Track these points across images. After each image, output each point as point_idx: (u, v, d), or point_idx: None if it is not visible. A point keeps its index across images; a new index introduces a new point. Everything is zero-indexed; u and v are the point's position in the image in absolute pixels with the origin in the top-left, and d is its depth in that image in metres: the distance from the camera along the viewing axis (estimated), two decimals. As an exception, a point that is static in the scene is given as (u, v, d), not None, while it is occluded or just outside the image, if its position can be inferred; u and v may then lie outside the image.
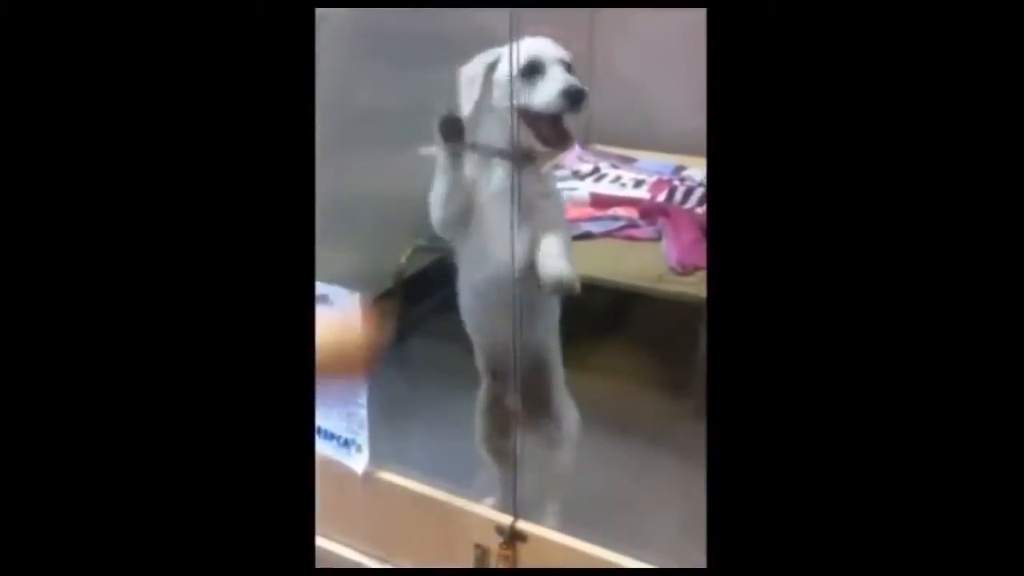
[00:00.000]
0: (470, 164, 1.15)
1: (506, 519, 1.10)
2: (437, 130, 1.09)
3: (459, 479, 1.36)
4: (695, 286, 1.74)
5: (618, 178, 2.22)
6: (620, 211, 2.02)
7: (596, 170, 2.26)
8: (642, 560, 1.02)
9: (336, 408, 1.19)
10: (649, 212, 2.00)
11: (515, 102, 1.08)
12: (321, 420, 1.21)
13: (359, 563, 1.24)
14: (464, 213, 1.15)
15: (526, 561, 1.09)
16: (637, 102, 2.36)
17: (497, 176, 1.14)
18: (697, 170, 2.20)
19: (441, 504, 1.16)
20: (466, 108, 1.11)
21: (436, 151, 1.13)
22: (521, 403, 1.27)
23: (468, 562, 1.14)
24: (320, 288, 1.13)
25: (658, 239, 1.91)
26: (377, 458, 1.20)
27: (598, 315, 1.98)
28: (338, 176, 1.64)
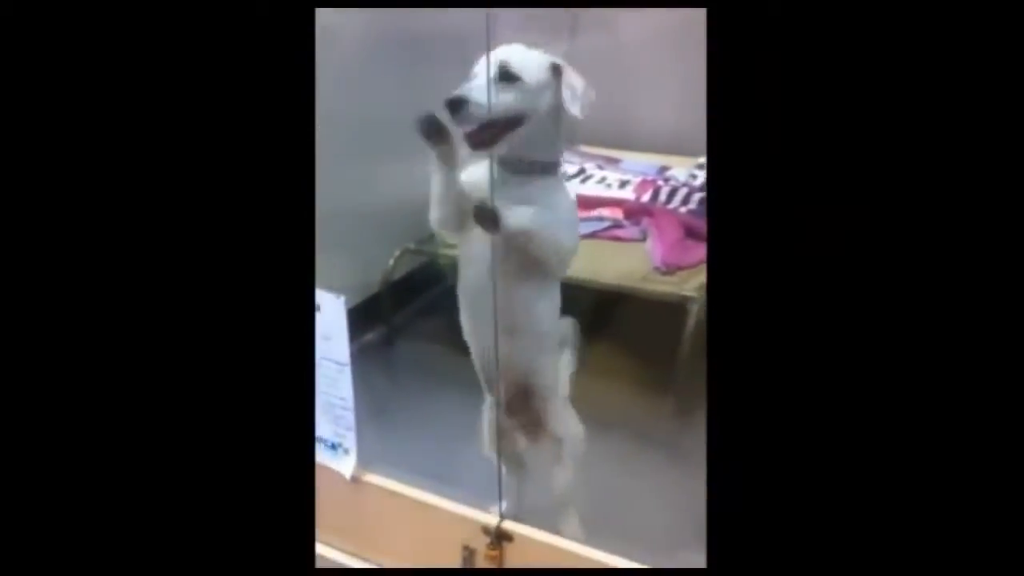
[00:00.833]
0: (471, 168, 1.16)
1: (492, 520, 1.11)
2: (416, 130, 1.07)
3: (446, 481, 1.37)
4: (678, 285, 1.76)
5: (603, 179, 2.23)
6: (605, 212, 2.03)
7: (582, 171, 2.27)
8: (628, 557, 1.03)
9: (323, 411, 1.19)
10: (634, 212, 2.01)
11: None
12: (308, 424, 1.22)
13: (346, 565, 1.25)
14: (458, 214, 1.15)
15: (513, 562, 1.10)
16: (621, 103, 2.37)
17: (484, 181, 1.13)
18: (681, 170, 2.22)
19: (428, 506, 1.17)
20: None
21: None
22: (514, 416, 1.28)
23: (456, 563, 1.14)
24: (306, 293, 1.14)
25: (643, 239, 1.92)
26: (364, 460, 1.21)
27: (584, 315, 1.99)
28: (326, 182, 1.64)
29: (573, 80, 1.11)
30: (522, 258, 1.12)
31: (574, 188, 2.15)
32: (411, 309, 1.87)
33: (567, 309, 1.89)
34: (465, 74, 1.11)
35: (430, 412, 1.44)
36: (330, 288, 1.14)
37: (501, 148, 1.10)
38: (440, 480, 1.23)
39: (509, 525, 1.09)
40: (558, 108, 1.12)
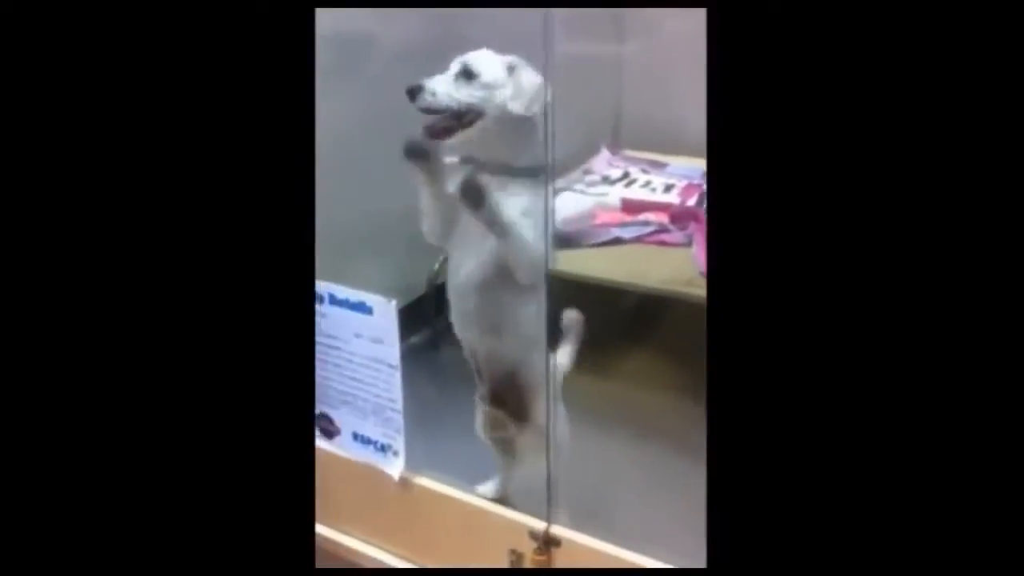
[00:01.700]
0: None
1: (540, 524, 1.11)
2: (403, 153, 1.18)
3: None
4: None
5: (648, 183, 2.22)
6: (651, 216, 2.02)
7: (626, 175, 2.27)
8: (673, 563, 1.03)
9: (374, 413, 1.21)
10: (679, 217, 2.00)
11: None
12: (357, 425, 1.24)
13: (392, 566, 1.26)
14: (446, 223, 1.23)
15: (561, 566, 1.11)
16: (667, 106, 2.36)
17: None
18: (727, 174, 2.20)
19: (476, 509, 1.18)
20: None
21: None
22: (500, 407, 1.32)
23: (503, 566, 1.15)
24: (360, 297, 1.16)
25: (689, 244, 1.91)
26: (413, 463, 1.22)
27: (628, 320, 1.99)
28: (371, 186, 1.66)
29: (524, 79, 1.17)
30: (502, 264, 1.17)
31: (618, 192, 2.16)
32: (456, 312, 1.87)
33: (610, 313, 1.89)
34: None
35: (474, 415, 1.44)
36: (377, 290, 1.16)
37: (467, 142, 1.18)
38: (484, 483, 1.24)
39: (557, 530, 1.10)
40: (505, 113, 1.17)
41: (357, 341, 1.18)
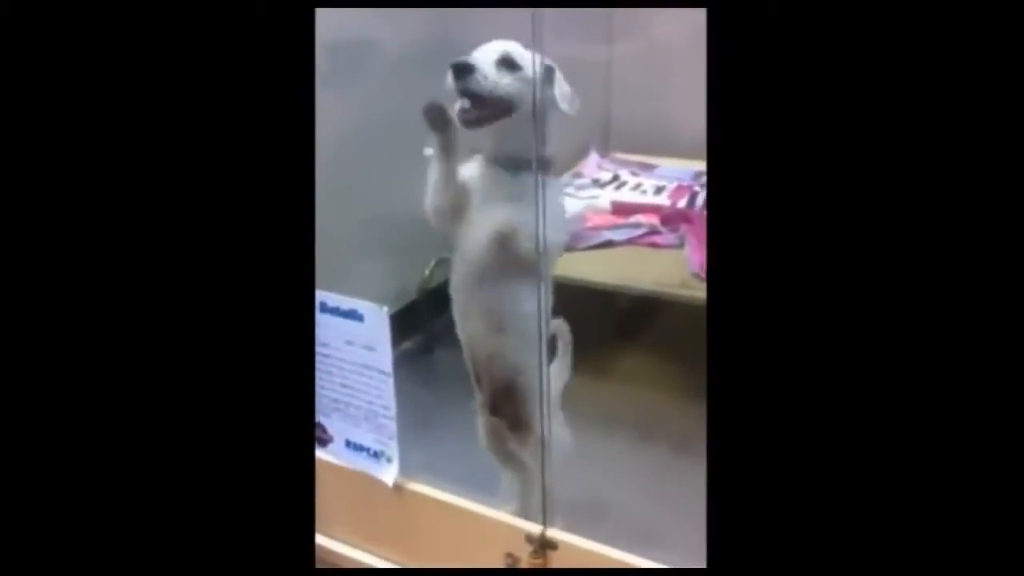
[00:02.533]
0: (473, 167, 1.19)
1: (536, 528, 1.11)
2: (423, 118, 1.12)
3: (489, 489, 1.37)
4: (718, 292, 1.75)
5: (638, 185, 2.23)
6: (641, 218, 2.03)
7: (616, 178, 2.27)
8: (674, 564, 1.03)
9: (367, 420, 1.20)
10: (670, 218, 2.00)
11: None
12: (350, 433, 1.23)
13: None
14: (454, 207, 1.18)
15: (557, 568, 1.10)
16: (656, 108, 2.37)
17: (477, 179, 1.18)
18: (717, 175, 2.21)
19: (471, 514, 1.17)
20: None
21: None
22: (499, 415, 1.30)
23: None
24: (352, 304, 1.15)
25: (680, 246, 1.92)
26: (407, 469, 1.21)
27: (621, 322, 1.99)
28: (363, 195, 1.66)
29: (563, 83, 1.17)
30: (508, 256, 1.15)
31: (608, 195, 2.16)
32: (447, 318, 1.88)
33: (603, 316, 1.89)
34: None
35: (469, 420, 1.44)
36: (368, 296, 1.16)
37: (487, 137, 1.15)
38: (483, 488, 1.23)
39: (553, 533, 1.09)
40: (545, 109, 1.16)
41: (349, 348, 1.18)
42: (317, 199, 0.99)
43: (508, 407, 1.29)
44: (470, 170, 1.20)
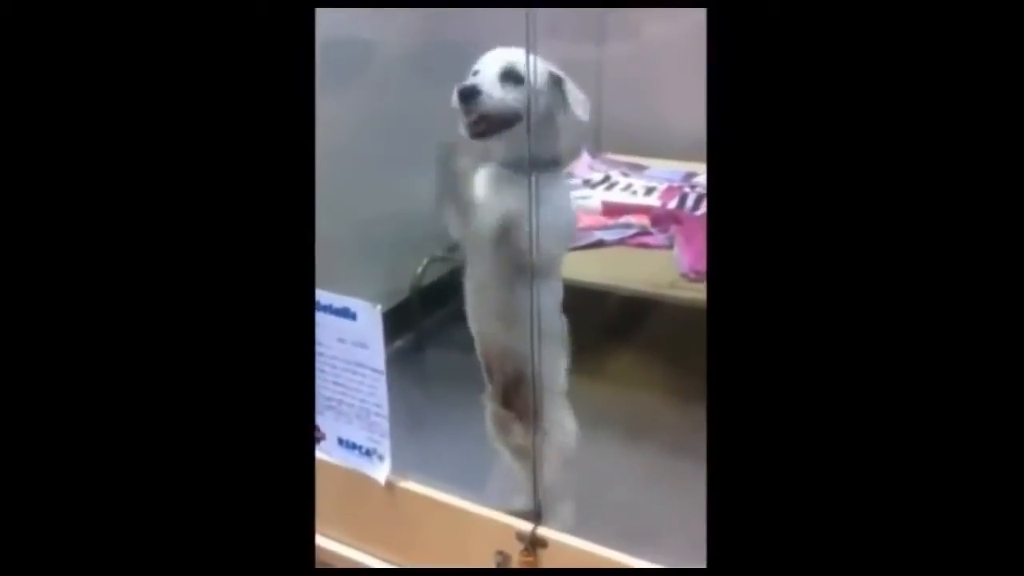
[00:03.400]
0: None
1: (527, 526, 1.12)
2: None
3: (480, 487, 1.38)
4: (706, 292, 1.76)
5: (629, 186, 2.24)
6: (632, 219, 2.03)
7: (607, 178, 2.28)
8: (665, 564, 1.04)
9: (359, 418, 1.21)
10: (660, 219, 2.01)
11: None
12: (342, 430, 1.24)
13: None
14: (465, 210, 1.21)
15: (548, 567, 1.11)
16: (647, 109, 2.38)
17: (486, 182, 1.22)
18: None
19: (462, 511, 1.18)
20: None
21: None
22: (510, 407, 1.32)
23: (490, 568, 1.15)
24: (344, 302, 1.16)
25: (670, 246, 1.92)
26: (398, 467, 1.22)
27: (610, 322, 2.00)
28: (355, 193, 1.66)
29: (574, 89, 1.21)
30: (514, 251, 1.17)
31: (599, 195, 2.17)
32: (440, 316, 1.88)
33: (594, 315, 1.90)
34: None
35: (460, 418, 1.45)
36: (361, 295, 1.16)
37: (497, 144, 1.19)
38: (474, 486, 1.24)
39: (544, 531, 1.10)
40: (551, 114, 1.20)
41: (341, 346, 1.18)
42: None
43: (518, 399, 1.30)
44: (482, 175, 1.23)
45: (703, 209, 2.07)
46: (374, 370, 1.16)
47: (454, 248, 1.93)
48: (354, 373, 1.19)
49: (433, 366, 1.86)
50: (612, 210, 2.07)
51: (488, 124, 1.15)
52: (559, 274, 1.30)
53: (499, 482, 1.39)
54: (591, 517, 1.35)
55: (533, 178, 1.17)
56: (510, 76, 1.15)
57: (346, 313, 1.16)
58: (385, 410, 1.18)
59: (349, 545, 1.29)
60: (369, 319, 1.15)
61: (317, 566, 1.27)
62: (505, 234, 1.18)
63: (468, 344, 1.32)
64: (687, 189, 2.17)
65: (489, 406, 1.35)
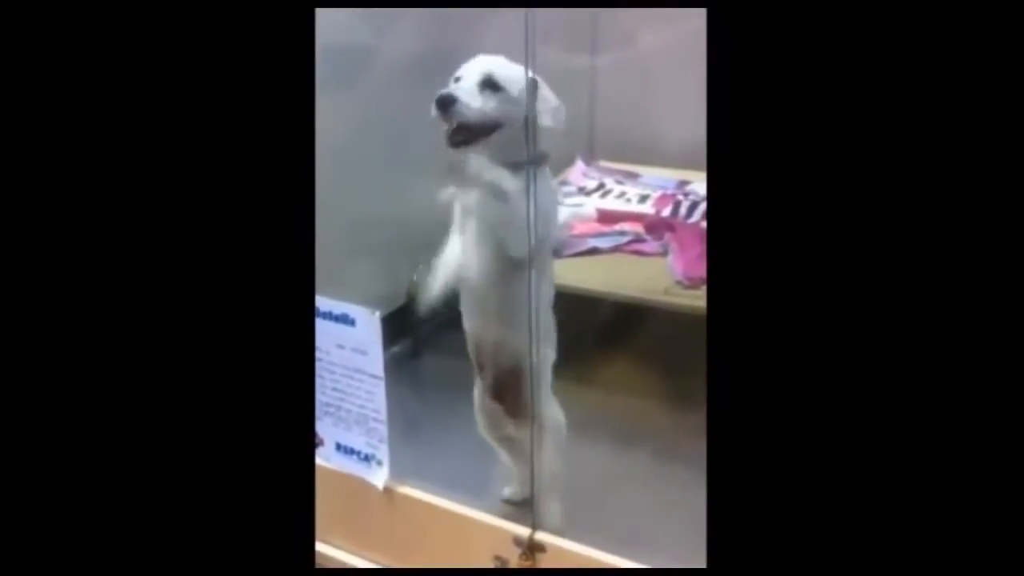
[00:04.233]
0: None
1: (524, 530, 1.13)
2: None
3: (478, 492, 1.39)
4: (701, 299, 1.77)
5: (623, 193, 2.25)
6: (626, 226, 2.05)
7: (601, 186, 2.29)
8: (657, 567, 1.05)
9: (357, 424, 1.22)
10: (655, 227, 2.03)
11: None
12: (341, 436, 1.24)
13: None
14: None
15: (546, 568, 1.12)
16: (641, 117, 2.40)
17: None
18: (701, 184, 2.23)
19: (460, 517, 1.19)
20: None
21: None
22: (500, 400, 1.33)
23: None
24: (343, 309, 1.17)
25: (665, 253, 1.94)
26: (397, 472, 1.23)
27: (605, 328, 2.01)
28: (352, 198, 1.67)
29: (548, 95, 1.21)
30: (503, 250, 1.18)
31: (593, 203, 2.18)
32: (437, 322, 1.89)
33: (589, 321, 1.91)
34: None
35: (457, 423, 1.46)
36: (359, 300, 1.17)
37: (477, 149, 1.18)
38: (472, 491, 1.25)
39: (542, 536, 1.11)
40: (533, 120, 1.20)
41: (340, 352, 1.19)
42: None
43: (510, 393, 1.31)
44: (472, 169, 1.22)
45: (696, 217, 2.08)
46: (373, 376, 1.17)
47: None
48: (352, 379, 1.19)
49: (430, 371, 1.87)
50: (607, 217, 2.08)
51: (467, 134, 1.16)
52: (550, 271, 1.31)
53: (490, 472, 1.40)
54: (586, 522, 1.36)
55: (518, 172, 1.18)
56: (488, 84, 1.16)
57: (345, 319, 1.17)
58: (384, 415, 1.19)
59: (347, 550, 1.29)
60: (368, 325, 1.16)
61: (316, 569, 1.28)
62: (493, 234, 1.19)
63: (465, 349, 1.33)
64: (680, 197, 2.19)
65: (478, 399, 1.37)
